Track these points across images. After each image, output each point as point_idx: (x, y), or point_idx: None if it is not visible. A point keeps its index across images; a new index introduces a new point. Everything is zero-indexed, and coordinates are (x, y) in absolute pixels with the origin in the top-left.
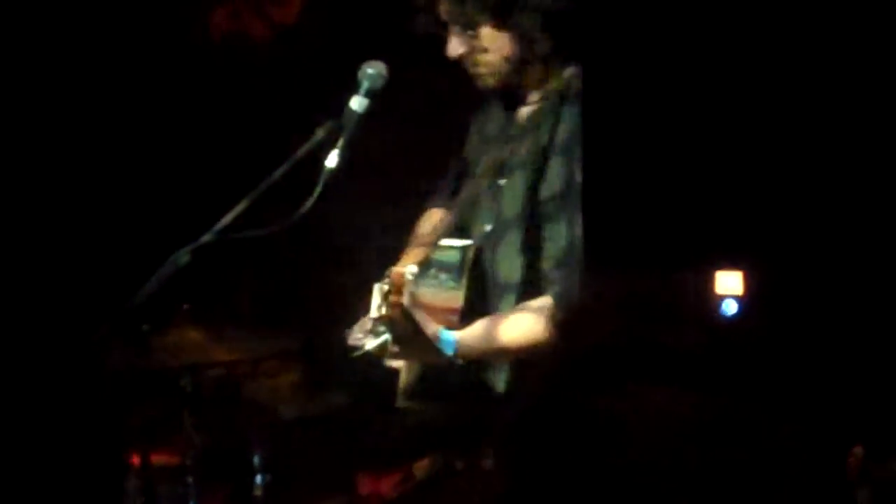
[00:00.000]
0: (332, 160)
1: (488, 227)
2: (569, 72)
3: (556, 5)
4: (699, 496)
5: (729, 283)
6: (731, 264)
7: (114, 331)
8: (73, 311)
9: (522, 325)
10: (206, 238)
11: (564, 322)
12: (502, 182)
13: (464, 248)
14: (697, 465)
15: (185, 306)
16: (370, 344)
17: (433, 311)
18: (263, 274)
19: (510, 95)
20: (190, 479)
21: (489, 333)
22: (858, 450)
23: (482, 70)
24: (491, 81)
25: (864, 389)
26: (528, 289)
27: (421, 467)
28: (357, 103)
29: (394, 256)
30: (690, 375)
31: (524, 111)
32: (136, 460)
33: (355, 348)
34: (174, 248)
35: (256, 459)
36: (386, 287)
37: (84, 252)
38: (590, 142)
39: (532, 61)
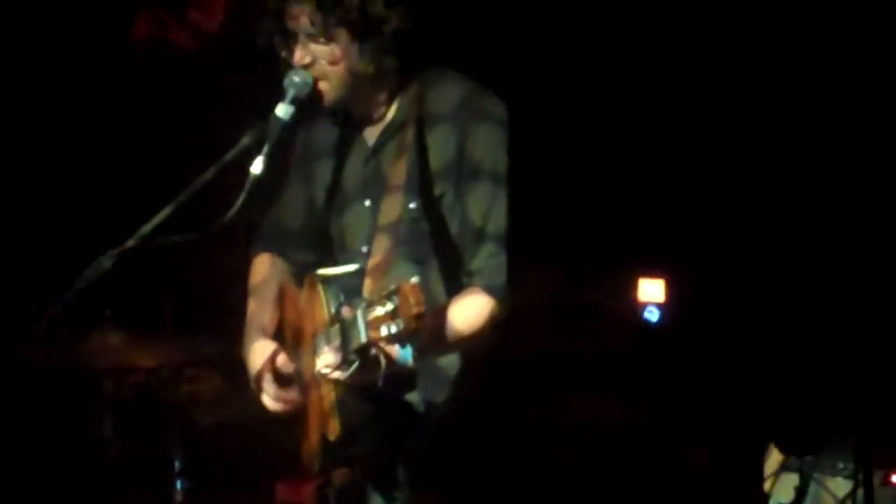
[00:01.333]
0: (256, 167)
1: (364, 248)
2: (411, 92)
3: (407, 26)
4: (621, 499)
5: (651, 291)
6: (654, 272)
7: (39, 333)
8: None
9: (471, 306)
10: (130, 243)
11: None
12: (367, 203)
13: (361, 269)
14: (619, 469)
15: (108, 311)
16: (344, 373)
17: None
18: (186, 280)
19: (345, 113)
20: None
21: (441, 325)
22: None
23: (327, 84)
24: (333, 97)
25: (780, 392)
26: (428, 299)
27: (339, 475)
28: (282, 110)
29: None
30: (614, 381)
31: (373, 130)
32: None
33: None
34: (97, 252)
35: (177, 464)
36: (383, 310)
37: (8, 254)
38: (514, 150)
39: (376, 78)
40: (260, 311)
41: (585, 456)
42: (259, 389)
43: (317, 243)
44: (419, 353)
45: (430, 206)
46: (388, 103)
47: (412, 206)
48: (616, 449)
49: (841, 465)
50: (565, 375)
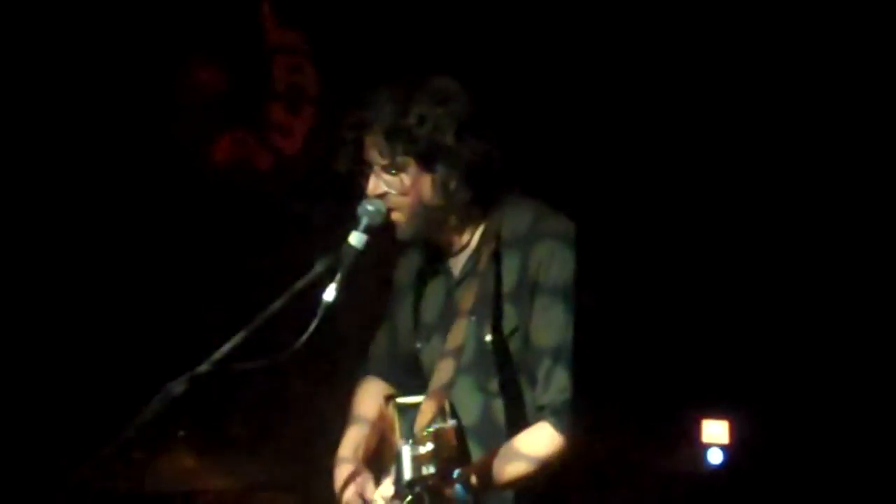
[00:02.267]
0: (329, 294)
1: None
2: (492, 221)
3: (479, 158)
4: None
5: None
6: (717, 413)
7: (110, 457)
8: (70, 437)
9: (532, 442)
10: (203, 368)
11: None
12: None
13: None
14: None
15: (181, 433)
16: None
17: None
18: (260, 403)
19: (430, 246)
20: None
21: (499, 464)
22: None
23: (399, 214)
24: (406, 229)
25: None
26: (488, 429)
27: None
28: (356, 239)
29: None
30: None
31: (455, 261)
32: None
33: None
34: (172, 376)
35: None
36: (423, 449)
37: (83, 376)
38: (578, 292)
39: (450, 209)
40: (353, 431)
41: None
42: None
43: (414, 370)
44: (472, 491)
45: (501, 338)
46: (471, 233)
47: (487, 338)
48: None
49: None
50: None
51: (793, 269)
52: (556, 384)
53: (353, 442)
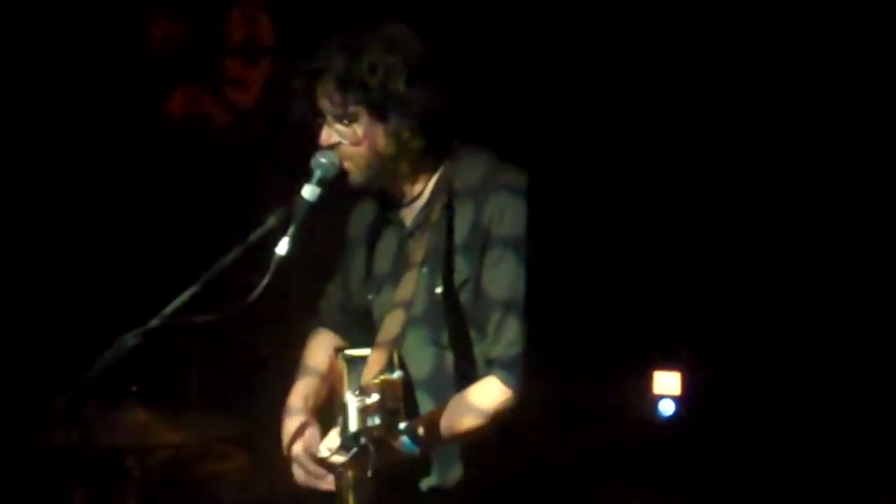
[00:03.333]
0: (282, 247)
1: None
2: (445, 172)
3: (431, 107)
4: None
5: (666, 383)
6: (669, 364)
7: (61, 411)
8: (17, 389)
9: (482, 395)
10: (154, 322)
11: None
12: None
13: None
14: None
15: (133, 388)
16: (341, 458)
17: None
18: (213, 358)
19: (383, 196)
20: None
21: (448, 418)
22: None
23: (352, 164)
24: (358, 178)
25: (803, 485)
26: (439, 382)
27: None
28: (308, 192)
29: None
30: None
31: (407, 212)
32: None
33: (327, 463)
34: (123, 330)
35: None
36: (369, 400)
37: (32, 332)
38: (530, 244)
39: (403, 159)
40: (303, 383)
41: None
42: (288, 461)
43: (366, 323)
44: (420, 444)
45: (452, 290)
46: (424, 184)
47: (437, 290)
48: None
49: None
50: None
51: (746, 217)
52: (506, 337)
53: (302, 394)
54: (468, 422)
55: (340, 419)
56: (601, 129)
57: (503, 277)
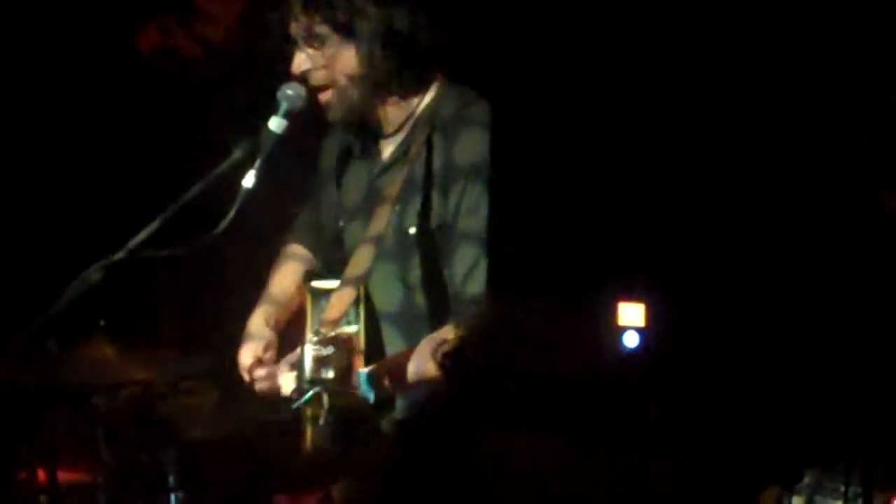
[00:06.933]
0: (248, 180)
1: None
2: (426, 101)
3: (401, 26)
4: None
5: (631, 314)
6: (633, 296)
7: (22, 346)
8: None
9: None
10: (118, 255)
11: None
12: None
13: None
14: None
15: (100, 323)
16: (297, 402)
17: None
18: (180, 293)
19: (359, 127)
20: (102, 498)
21: (416, 362)
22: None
23: (327, 94)
24: (338, 110)
25: (767, 424)
26: (408, 319)
27: (339, 489)
28: (275, 124)
29: None
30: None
31: (385, 144)
32: (43, 477)
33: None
34: (88, 264)
35: (171, 479)
36: (325, 352)
37: None
38: (494, 172)
39: (377, 83)
40: (264, 309)
41: (558, 492)
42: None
43: (338, 246)
44: (381, 391)
45: (425, 227)
46: (402, 116)
47: (411, 230)
48: (593, 485)
49: (841, 489)
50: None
51: (711, 153)
52: (472, 274)
53: (262, 318)
54: (432, 368)
55: (298, 360)
56: (569, 62)
57: (470, 212)
